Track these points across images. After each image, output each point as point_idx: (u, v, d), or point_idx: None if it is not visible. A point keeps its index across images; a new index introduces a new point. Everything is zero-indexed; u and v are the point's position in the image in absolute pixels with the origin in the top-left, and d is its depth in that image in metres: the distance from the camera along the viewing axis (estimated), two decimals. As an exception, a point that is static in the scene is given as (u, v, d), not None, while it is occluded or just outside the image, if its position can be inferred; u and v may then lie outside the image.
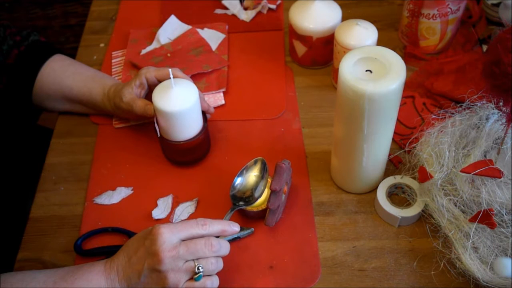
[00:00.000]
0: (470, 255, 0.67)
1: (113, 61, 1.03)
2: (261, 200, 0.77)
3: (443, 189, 0.71)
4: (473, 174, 0.68)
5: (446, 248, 0.71)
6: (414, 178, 0.77)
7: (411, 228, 0.76)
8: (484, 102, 0.75)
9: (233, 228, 0.68)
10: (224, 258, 0.67)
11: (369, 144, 0.71)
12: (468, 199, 0.69)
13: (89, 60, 1.03)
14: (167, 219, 0.78)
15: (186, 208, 0.79)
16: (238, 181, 0.77)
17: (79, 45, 1.08)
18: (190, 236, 0.64)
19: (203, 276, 0.64)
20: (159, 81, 0.82)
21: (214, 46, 1.03)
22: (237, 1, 1.11)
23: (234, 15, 1.11)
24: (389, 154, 0.80)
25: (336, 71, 0.90)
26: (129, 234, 0.76)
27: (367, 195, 0.80)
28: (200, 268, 0.63)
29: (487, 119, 0.74)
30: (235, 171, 0.78)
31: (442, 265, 0.70)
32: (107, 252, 0.74)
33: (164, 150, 0.85)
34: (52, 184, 0.84)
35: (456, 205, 0.70)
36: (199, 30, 1.05)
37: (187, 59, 0.99)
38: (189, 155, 0.83)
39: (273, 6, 1.11)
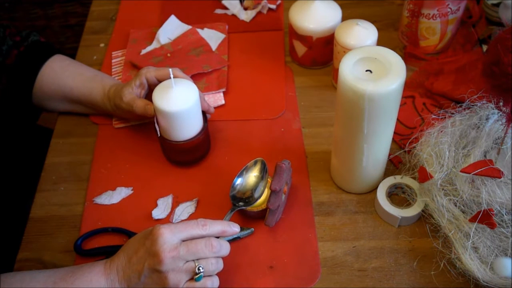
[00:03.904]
0: (470, 255, 0.67)
1: (113, 61, 1.03)
2: (261, 200, 0.77)
3: (443, 189, 0.71)
4: (473, 174, 0.68)
5: (446, 248, 0.71)
6: (414, 178, 0.77)
7: (411, 228, 0.76)
8: (484, 102, 0.74)
9: (233, 228, 0.68)
10: (224, 258, 0.67)
11: (369, 144, 0.71)
12: (468, 199, 0.69)
13: (89, 60, 1.03)
14: (167, 219, 0.78)
15: (186, 208, 0.79)
16: (238, 181, 0.77)
17: (79, 45, 1.08)
18: (191, 237, 0.64)
19: (204, 276, 0.64)
20: (159, 81, 0.82)
21: (214, 46, 1.03)
22: (237, 1, 1.11)
23: (234, 15, 1.11)
24: (389, 154, 0.80)
25: (336, 71, 0.91)
26: (129, 234, 0.76)
27: (367, 195, 0.80)
28: (200, 268, 0.63)
29: (487, 119, 0.74)
30: (235, 171, 0.78)
31: (442, 265, 0.70)
32: (107, 252, 0.74)
33: (164, 150, 0.85)
34: (52, 184, 0.84)
35: (456, 205, 0.70)
36: (199, 30, 1.05)
37: (187, 59, 0.99)
38: (189, 155, 0.83)
39: (273, 6, 1.11)
